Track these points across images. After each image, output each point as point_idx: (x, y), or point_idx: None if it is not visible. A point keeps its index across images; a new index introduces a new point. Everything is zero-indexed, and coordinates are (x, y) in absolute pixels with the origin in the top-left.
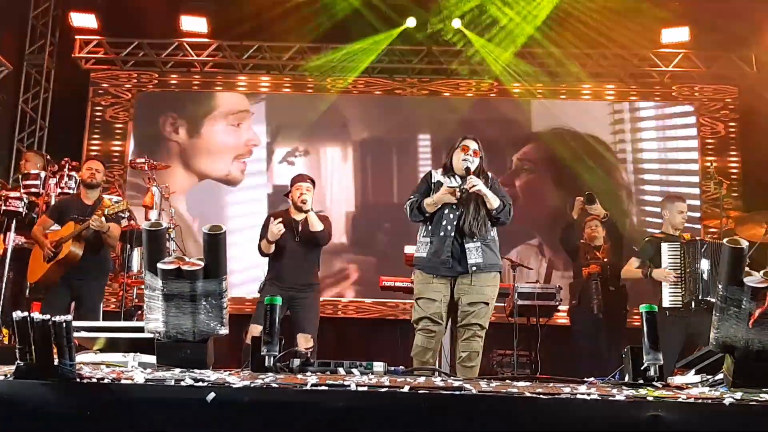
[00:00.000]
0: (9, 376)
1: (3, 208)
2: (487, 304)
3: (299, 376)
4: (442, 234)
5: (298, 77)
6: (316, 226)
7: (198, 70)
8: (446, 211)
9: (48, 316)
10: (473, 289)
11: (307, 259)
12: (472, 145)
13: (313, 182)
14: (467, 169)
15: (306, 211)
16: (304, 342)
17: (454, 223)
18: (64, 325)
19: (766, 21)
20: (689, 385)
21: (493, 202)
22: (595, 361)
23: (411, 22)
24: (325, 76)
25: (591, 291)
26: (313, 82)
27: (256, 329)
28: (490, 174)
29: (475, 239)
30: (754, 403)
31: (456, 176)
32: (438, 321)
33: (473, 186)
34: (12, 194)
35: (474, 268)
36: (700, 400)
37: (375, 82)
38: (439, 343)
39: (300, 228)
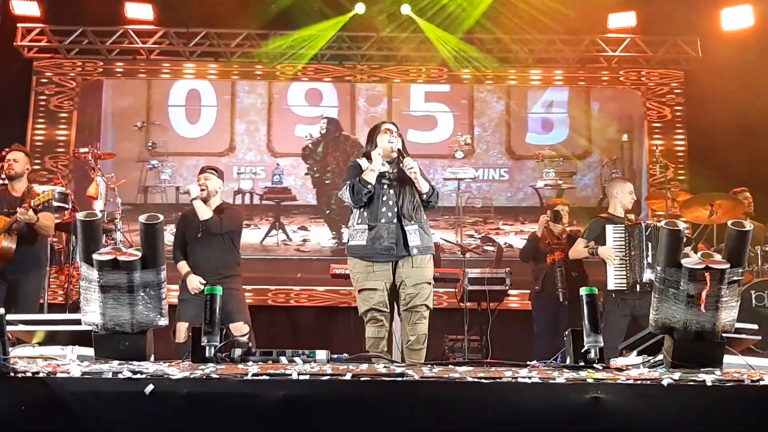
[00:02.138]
0: None
1: None
2: (429, 284)
3: (240, 366)
4: (384, 220)
5: (246, 64)
6: (202, 214)
7: (144, 58)
8: (384, 198)
9: None
10: (414, 271)
11: (216, 250)
12: (393, 128)
13: (216, 171)
14: (399, 150)
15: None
16: (238, 331)
17: (395, 209)
18: None
19: (710, 6)
20: (630, 367)
21: (424, 186)
22: (557, 347)
23: (360, 8)
24: (274, 62)
25: (556, 278)
26: (262, 69)
27: (183, 326)
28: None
29: (412, 222)
30: (692, 383)
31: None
32: (383, 309)
33: (410, 168)
34: None
35: (415, 251)
36: (639, 381)
37: (325, 69)
38: (388, 330)
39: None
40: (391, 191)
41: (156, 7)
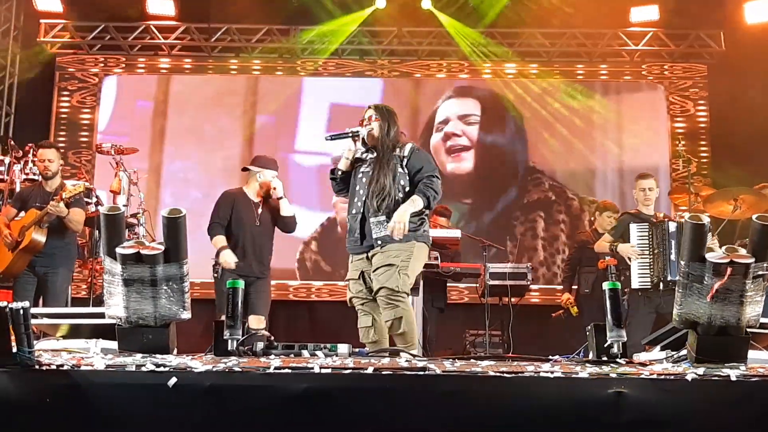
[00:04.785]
0: None
1: None
2: (390, 265)
3: (262, 359)
4: (354, 211)
5: (268, 60)
6: (287, 211)
7: (166, 54)
8: (357, 188)
9: (4, 303)
10: (381, 257)
11: (267, 242)
12: (367, 113)
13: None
14: (365, 138)
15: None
16: (258, 323)
17: (363, 198)
18: (21, 312)
19: None
20: (653, 362)
21: (418, 207)
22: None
23: (381, 2)
24: (295, 58)
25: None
26: (283, 65)
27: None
28: (411, 144)
29: (380, 213)
30: (716, 378)
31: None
32: (361, 298)
33: (400, 231)
34: None
35: (380, 242)
36: (662, 376)
37: (345, 64)
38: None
39: (260, 212)
40: (364, 180)
41: (177, 2)
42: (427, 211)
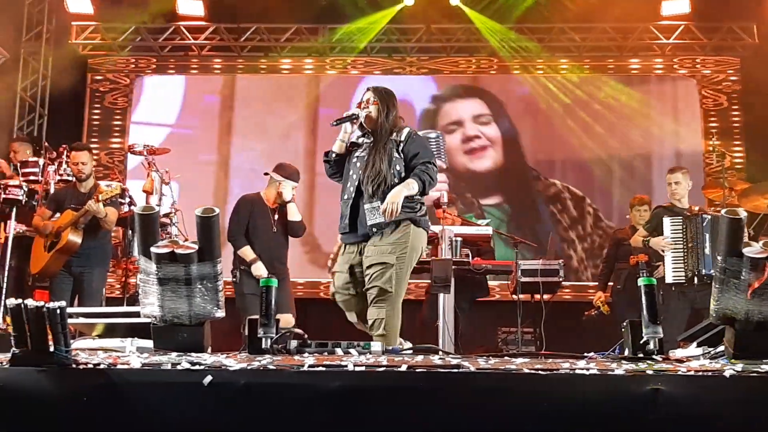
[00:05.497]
0: (5, 363)
1: (3, 196)
2: (385, 264)
3: (296, 357)
4: (345, 197)
5: (297, 58)
6: (295, 216)
7: (196, 54)
8: (350, 173)
9: (42, 303)
10: (374, 249)
11: (282, 244)
12: (365, 96)
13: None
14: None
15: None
16: (286, 322)
17: (356, 183)
18: (58, 311)
19: None
20: (690, 358)
21: (412, 191)
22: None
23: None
24: (323, 56)
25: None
26: (312, 63)
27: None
28: (409, 128)
29: (374, 199)
30: (755, 374)
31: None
32: (343, 293)
33: (392, 211)
34: (11, 182)
35: (374, 229)
36: (700, 373)
37: (374, 62)
38: (356, 312)
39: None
40: (358, 164)
41: (207, 3)
42: (423, 198)
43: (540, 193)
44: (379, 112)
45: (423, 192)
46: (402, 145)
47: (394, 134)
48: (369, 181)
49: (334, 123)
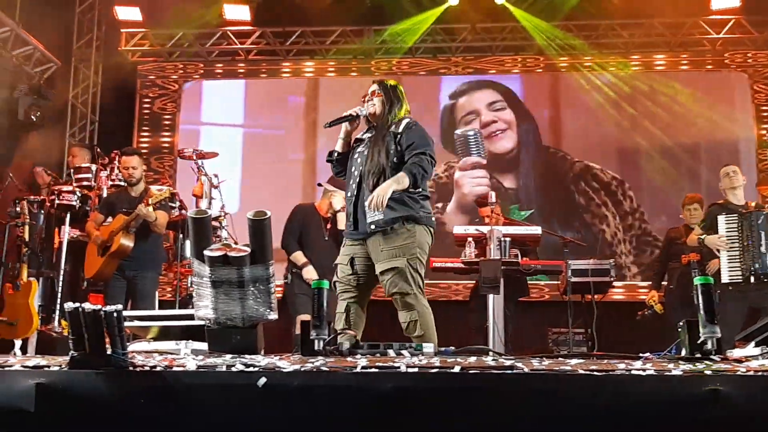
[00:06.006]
0: (64, 366)
1: (57, 201)
2: (395, 269)
3: (349, 359)
4: (349, 194)
5: (342, 61)
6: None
7: (242, 59)
8: (352, 169)
9: (99, 306)
10: (382, 254)
11: (334, 252)
12: (370, 88)
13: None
14: (368, 117)
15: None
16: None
17: (358, 180)
18: (115, 314)
19: None
20: (748, 358)
21: (402, 185)
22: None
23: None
24: (369, 58)
25: (692, 279)
26: (357, 66)
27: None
28: (408, 119)
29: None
30: None
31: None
32: (344, 283)
33: (377, 204)
34: (65, 188)
35: (373, 227)
36: (760, 373)
37: (419, 63)
38: (354, 306)
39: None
40: (359, 160)
41: (253, 8)
42: (426, 191)
43: (567, 172)
44: (383, 105)
45: (415, 185)
46: (399, 136)
47: (393, 126)
48: (369, 175)
49: (327, 125)
